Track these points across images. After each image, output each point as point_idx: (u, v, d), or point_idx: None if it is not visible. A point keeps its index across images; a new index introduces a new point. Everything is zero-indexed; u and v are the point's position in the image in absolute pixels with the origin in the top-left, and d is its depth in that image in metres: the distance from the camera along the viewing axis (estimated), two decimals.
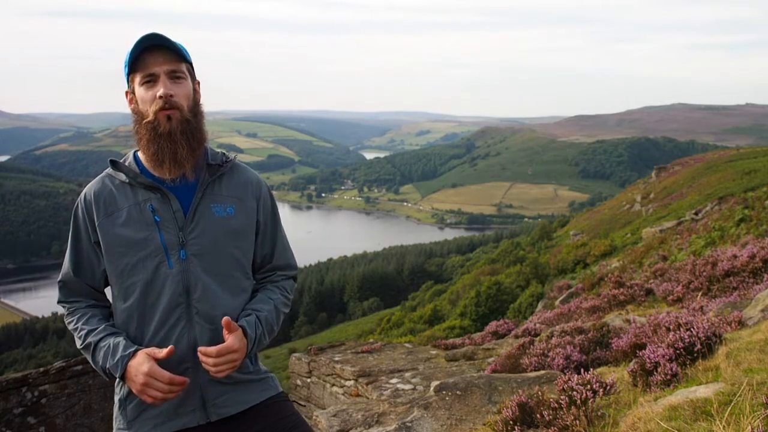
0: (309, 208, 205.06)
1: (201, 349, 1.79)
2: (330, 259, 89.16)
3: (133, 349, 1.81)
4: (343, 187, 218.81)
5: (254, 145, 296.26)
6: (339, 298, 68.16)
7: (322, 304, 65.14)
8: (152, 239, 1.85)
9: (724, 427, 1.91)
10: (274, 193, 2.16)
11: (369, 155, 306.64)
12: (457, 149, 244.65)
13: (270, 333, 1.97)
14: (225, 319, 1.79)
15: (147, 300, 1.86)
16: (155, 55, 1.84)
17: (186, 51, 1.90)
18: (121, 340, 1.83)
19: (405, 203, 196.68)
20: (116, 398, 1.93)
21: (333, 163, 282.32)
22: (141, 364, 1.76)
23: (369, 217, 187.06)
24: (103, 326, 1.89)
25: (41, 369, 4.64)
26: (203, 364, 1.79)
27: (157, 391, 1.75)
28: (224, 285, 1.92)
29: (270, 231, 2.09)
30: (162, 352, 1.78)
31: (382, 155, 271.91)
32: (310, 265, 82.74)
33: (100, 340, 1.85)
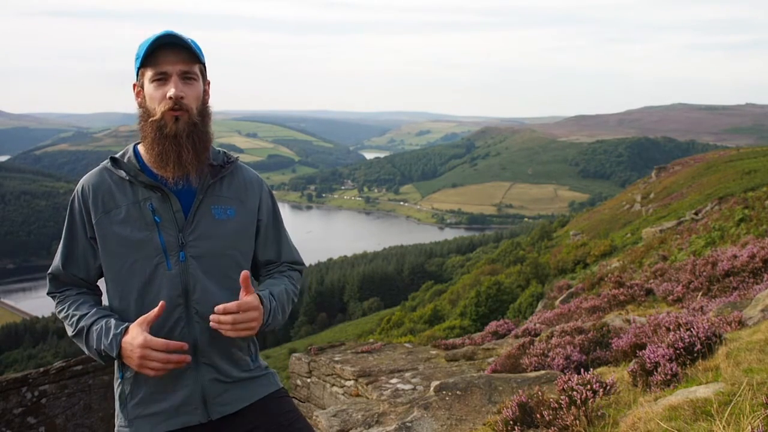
0: (309, 208, 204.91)
1: (219, 307, 1.74)
2: (330, 259, 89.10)
3: (124, 326, 1.78)
4: (343, 187, 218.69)
5: (254, 145, 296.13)
6: (339, 298, 68.10)
7: (322, 304, 65.07)
8: (151, 240, 1.84)
9: (724, 427, 1.91)
10: (274, 193, 2.16)
11: (369, 155, 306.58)
12: (457, 149, 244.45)
13: (282, 312, 1.94)
14: (244, 273, 1.77)
15: (144, 300, 1.84)
16: (169, 54, 1.82)
17: (201, 52, 1.88)
18: (112, 320, 1.81)
19: (405, 203, 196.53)
20: (116, 395, 1.91)
21: (333, 163, 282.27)
22: (135, 337, 1.73)
23: (369, 217, 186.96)
24: (94, 310, 1.86)
25: (41, 369, 4.64)
26: (219, 325, 1.74)
27: (156, 362, 1.72)
28: (223, 286, 1.91)
29: (272, 231, 2.08)
30: (153, 312, 1.75)
31: (382, 155, 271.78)
32: (310, 265, 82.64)
33: (92, 323, 1.82)
